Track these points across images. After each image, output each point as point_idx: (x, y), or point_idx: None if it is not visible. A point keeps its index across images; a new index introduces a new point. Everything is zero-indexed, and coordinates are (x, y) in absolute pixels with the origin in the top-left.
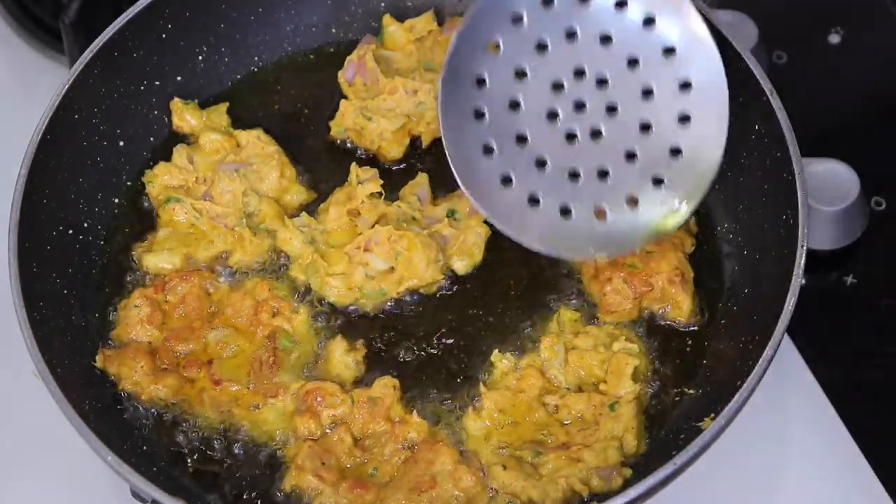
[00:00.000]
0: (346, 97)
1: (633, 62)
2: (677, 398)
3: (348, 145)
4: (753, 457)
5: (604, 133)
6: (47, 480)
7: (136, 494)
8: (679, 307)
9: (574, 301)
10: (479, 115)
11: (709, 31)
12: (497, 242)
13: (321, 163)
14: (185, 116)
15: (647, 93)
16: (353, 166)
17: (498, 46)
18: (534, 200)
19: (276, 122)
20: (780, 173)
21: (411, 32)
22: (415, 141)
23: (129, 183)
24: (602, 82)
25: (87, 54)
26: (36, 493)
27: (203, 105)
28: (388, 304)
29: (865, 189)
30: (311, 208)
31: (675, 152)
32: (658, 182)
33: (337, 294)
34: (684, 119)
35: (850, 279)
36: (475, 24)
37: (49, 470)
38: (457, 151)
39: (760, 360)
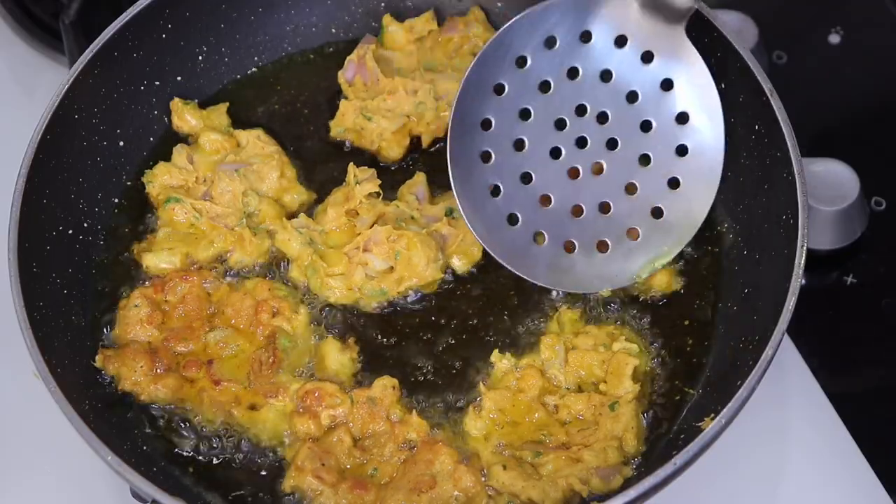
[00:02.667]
0: (346, 97)
1: (632, 96)
2: (677, 398)
3: (348, 145)
4: (753, 457)
5: (605, 167)
6: (47, 480)
7: (136, 494)
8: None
9: (574, 301)
10: (485, 156)
11: (704, 63)
12: None
13: (321, 163)
14: (185, 116)
15: (646, 126)
16: (351, 166)
17: (503, 88)
18: (539, 237)
19: (276, 122)
20: (780, 173)
21: (411, 32)
22: (415, 141)
23: (129, 183)
24: (602, 117)
25: (87, 54)
26: (36, 493)
27: (203, 105)
28: (389, 303)
29: (865, 189)
30: (311, 208)
31: (674, 184)
32: (657, 213)
33: (337, 294)
34: (682, 151)
35: (850, 279)
36: (481, 68)
37: (49, 470)
38: (465, 193)
39: (760, 360)
